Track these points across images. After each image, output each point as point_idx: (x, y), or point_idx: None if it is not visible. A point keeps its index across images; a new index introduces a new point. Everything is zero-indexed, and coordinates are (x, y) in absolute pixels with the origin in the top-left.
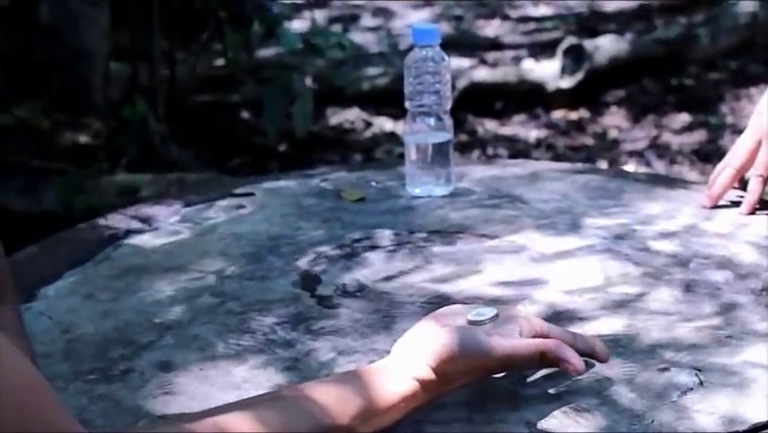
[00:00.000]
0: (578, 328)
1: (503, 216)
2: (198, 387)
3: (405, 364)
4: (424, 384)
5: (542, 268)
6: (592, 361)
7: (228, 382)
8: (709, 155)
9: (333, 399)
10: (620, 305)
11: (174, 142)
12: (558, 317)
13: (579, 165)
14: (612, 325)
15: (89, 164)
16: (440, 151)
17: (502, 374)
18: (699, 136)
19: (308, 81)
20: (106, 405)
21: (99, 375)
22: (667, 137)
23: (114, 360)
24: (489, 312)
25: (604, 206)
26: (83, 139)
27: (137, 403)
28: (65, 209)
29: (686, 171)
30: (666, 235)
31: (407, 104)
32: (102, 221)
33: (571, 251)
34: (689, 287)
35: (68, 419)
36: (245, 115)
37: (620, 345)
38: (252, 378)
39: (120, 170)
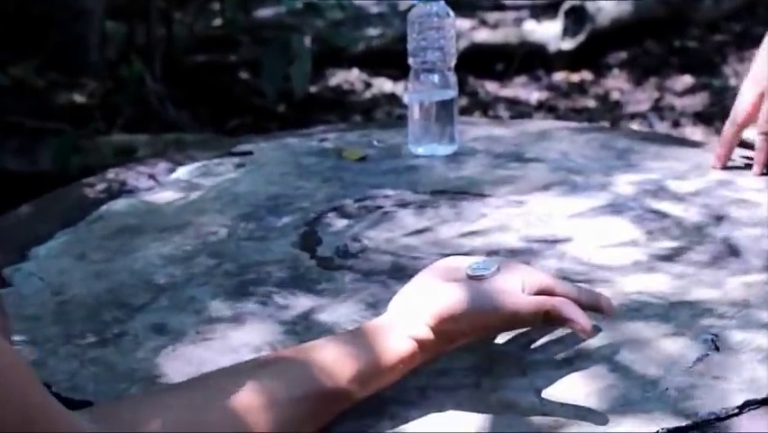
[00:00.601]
0: (607, 286)
1: (511, 176)
2: (194, 350)
3: (402, 323)
4: (422, 344)
5: (568, 224)
6: (602, 324)
7: (225, 346)
8: (712, 117)
9: (328, 362)
10: (650, 261)
11: (171, 103)
12: (588, 274)
13: (585, 124)
14: (646, 283)
15: (85, 124)
16: (444, 108)
17: (507, 337)
18: (701, 98)
19: (307, 41)
20: (99, 369)
21: (92, 338)
22: (670, 99)
23: (106, 323)
24: (491, 266)
25: (621, 164)
26: (79, 99)
27: (131, 367)
28: (61, 170)
29: (689, 134)
30: (697, 193)
31: (411, 60)
32: (97, 180)
33: (595, 209)
34: (728, 244)
35: (46, 400)
36: (243, 75)
37: (634, 308)
38: (250, 341)
39: (116, 130)
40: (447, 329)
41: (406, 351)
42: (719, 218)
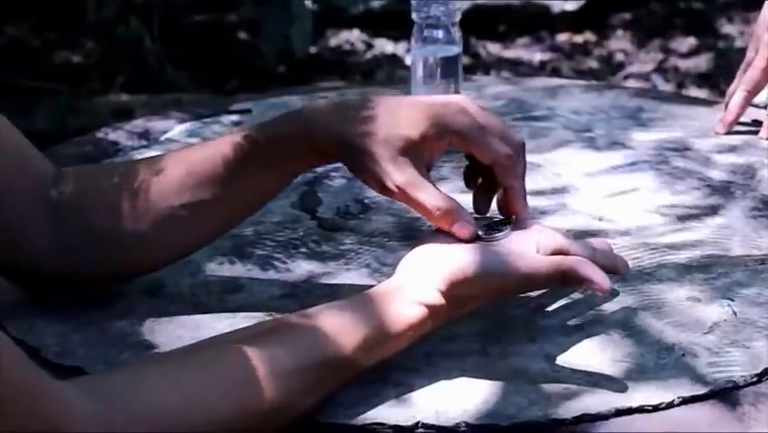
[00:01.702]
0: (618, 245)
1: (528, 133)
2: (190, 314)
3: (411, 288)
4: (433, 310)
5: (578, 183)
6: (617, 286)
7: (221, 310)
8: (717, 79)
9: (334, 329)
10: (664, 221)
11: (169, 63)
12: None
13: (593, 82)
14: (654, 244)
15: (82, 85)
16: (448, 65)
17: (516, 301)
18: (706, 60)
19: (307, 1)
20: (90, 333)
21: (83, 300)
22: (674, 61)
23: (99, 284)
24: (503, 227)
25: (635, 122)
26: (76, 59)
27: (123, 331)
28: (57, 130)
29: (692, 95)
30: (726, 149)
31: (414, 15)
32: (89, 139)
33: (615, 167)
34: (755, 204)
35: (32, 378)
36: (243, 35)
37: (647, 271)
38: (247, 305)
39: (114, 90)
40: (459, 294)
41: (415, 317)
42: (749, 176)
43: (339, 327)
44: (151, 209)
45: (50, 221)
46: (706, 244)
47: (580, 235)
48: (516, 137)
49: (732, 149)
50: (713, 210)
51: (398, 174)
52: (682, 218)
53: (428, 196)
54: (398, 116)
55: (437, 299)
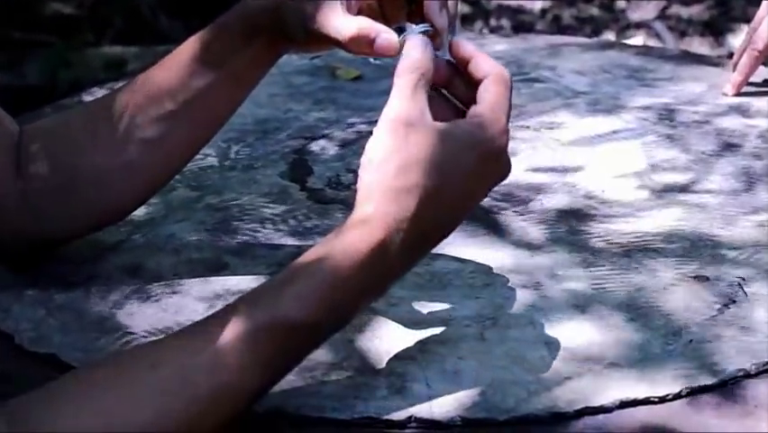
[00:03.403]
0: (621, 221)
1: (516, 97)
2: (171, 296)
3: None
4: (373, 223)
5: (578, 152)
6: (618, 264)
7: (205, 290)
8: (721, 28)
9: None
10: (668, 194)
11: (163, 12)
12: (598, 207)
13: (595, 40)
14: (658, 219)
15: (74, 36)
16: None
17: (513, 282)
18: (710, 8)
19: None
20: (66, 317)
21: (59, 281)
22: (676, 8)
23: (76, 263)
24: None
25: (633, 84)
26: (67, 10)
27: (101, 315)
28: (49, 83)
29: (696, 45)
30: (714, 115)
31: None
32: (83, 97)
33: (604, 135)
34: (747, 174)
35: None
36: None
37: (652, 248)
38: (233, 286)
39: (106, 42)
40: (387, 185)
41: (353, 246)
42: (733, 147)
43: (275, 292)
44: (118, 139)
45: (18, 181)
46: (712, 218)
47: (577, 212)
48: None
49: (719, 116)
50: (695, 183)
51: (316, 13)
52: (675, 190)
53: (335, 27)
54: None
55: (364, 209)
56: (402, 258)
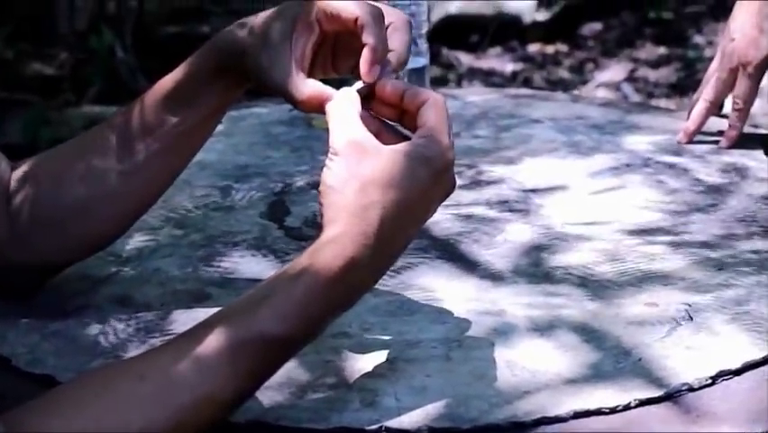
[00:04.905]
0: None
1: (498, 140)
2: (158, 324)
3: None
4: (336, 242)
5: (543, 194)
6: (575, 293)
7: (190, 318)
8: (686, 89)
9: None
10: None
11: (142, 74)
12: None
13: (563, 94)
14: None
15: (55, 96)
16: (415, 76)
17: (478, 308)
18: (676, 70)
19: None
20: (60, 342)
21: (53, 311)
22: (644, 71)
23: (68, 295)
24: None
25: (620, 126)
26: (48, 70)
27: (93, 340)
28: (30, 142)
29: (663, 105)
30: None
31: None
32: None
33: (608, 168)
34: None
35: None
36: None
37: (606, 281)
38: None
39: (86, 102)
40: (345, 204)
41: (317, 260)
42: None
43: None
44: (99, 171)
45: (6, 214)
46: (663, 253)
47: (539, 246)
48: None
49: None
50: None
51: (272, 69)
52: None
53: (289, 87)
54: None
55: (332, 229)
56: (372, 270)
